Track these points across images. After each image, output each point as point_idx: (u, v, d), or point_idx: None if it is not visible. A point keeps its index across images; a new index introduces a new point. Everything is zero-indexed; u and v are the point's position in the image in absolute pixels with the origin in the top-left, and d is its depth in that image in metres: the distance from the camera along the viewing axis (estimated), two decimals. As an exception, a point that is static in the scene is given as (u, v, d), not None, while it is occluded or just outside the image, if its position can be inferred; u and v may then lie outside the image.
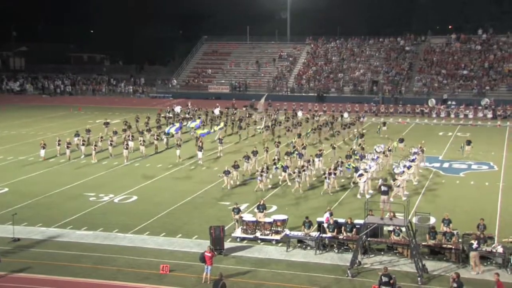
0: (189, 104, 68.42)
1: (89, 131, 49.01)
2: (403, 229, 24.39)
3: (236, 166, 35.97)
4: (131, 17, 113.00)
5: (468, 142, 44.81)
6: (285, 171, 36.01)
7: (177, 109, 64.13)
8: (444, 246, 24.30)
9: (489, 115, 65.46)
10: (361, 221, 24.85)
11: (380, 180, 32.29)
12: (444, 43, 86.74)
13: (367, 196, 32.09)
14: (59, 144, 43.69)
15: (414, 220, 26.37)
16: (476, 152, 44.15)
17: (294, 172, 35.27)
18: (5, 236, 26.79)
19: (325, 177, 34.25)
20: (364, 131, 53.77)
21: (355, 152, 39.97)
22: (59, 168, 40.91)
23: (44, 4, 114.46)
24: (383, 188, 30.48)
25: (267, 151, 41.62)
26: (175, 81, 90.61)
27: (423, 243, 24.51)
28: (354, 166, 36.09)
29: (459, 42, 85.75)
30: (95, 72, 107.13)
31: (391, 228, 24.95)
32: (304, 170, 34.90)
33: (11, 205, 31.29)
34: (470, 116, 65.70)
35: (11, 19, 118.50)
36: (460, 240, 24.53)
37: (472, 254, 22.96)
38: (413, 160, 37.11)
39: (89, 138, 47.33)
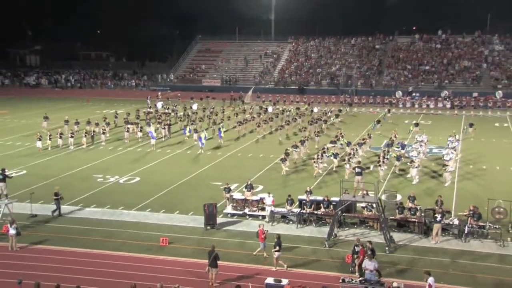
0: (159, 94, 67.57)
1: (77, 123, 47.82)
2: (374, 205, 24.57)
3: (287, 154, 35.15)
4: (134, 19, 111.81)
5: (471, 125, 45.18)
6: (335, 158, 35.52)
7: (159, 105, 60.85)
8: (409, 220, 24.54)
9: (448, 105, 65.87)
10: (337, 199, 24.96)
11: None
12: (409, 42, 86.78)
13: (414, 182, 31.85)
14: (50, 138, 41.84)
15: (383, 197, 26.59)
16: (436, 137, 44.43)
17: (343, 160, 34.63)
18: (24, 212, 26.70)
19: (379, 165, 32.84)
20: (336, 119, 53.72)
21: (397, 142, 38.70)
22: (70, 154, 40.65)
23: (56, 6, 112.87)
24: (357, 169, 30.55)
25: (307, 140, 40.90)
26: (172, 75, 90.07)
27: (391, 217, 24.71)
28: (395, 155, 35.17)
29: (422, 41, 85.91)
30: (101, 68, 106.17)
31: (363, 204, 25.13)
32: (350, 158, 33.99)
33: (29, 185, 31.14)
34: (432, 106, 66.03)
35: (27, 21, 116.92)
36: (422, 214, 24.77)
37: (435, 226, 23.19)
38: (454, 148, 37.14)
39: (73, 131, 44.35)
